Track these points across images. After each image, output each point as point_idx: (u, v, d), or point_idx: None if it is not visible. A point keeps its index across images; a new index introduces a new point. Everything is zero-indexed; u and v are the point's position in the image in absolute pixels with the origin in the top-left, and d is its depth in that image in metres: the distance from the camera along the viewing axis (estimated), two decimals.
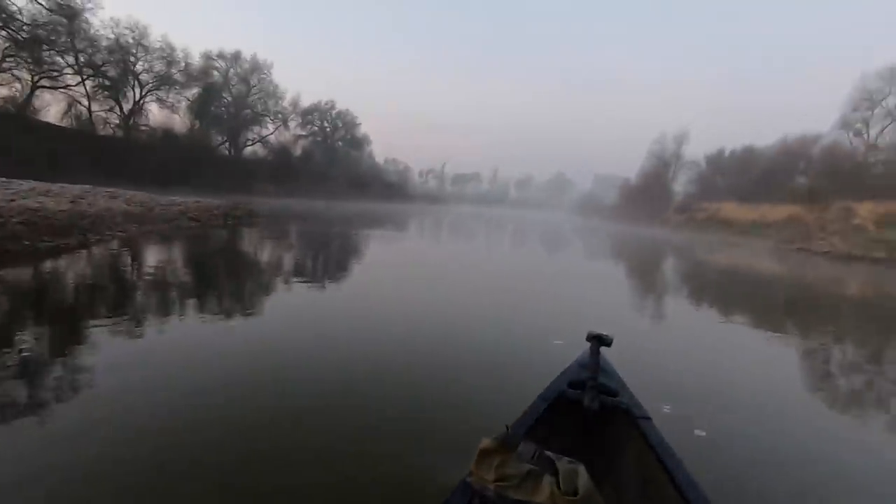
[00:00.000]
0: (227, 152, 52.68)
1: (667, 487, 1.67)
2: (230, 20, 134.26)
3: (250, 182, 44.00)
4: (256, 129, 55.99)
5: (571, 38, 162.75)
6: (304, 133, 65.95)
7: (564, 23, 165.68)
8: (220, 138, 51.39)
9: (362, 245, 14.11)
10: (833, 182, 34.44)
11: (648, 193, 57.86)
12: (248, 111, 55.07)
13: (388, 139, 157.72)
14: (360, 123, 70.58)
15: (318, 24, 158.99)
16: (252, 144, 56.31)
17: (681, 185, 58.94)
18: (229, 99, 53.14)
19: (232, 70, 54.00)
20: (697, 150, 57.93)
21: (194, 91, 46.72)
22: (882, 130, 40.01)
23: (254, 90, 54.95)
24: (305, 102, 63.53)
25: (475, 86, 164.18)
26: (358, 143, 71.51)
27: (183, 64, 44.41)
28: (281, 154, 55.97)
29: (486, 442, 1.46)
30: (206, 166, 38.68)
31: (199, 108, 45.69)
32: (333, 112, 68.62)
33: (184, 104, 45.33)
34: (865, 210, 23.75)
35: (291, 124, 60.51)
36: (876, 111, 40.01)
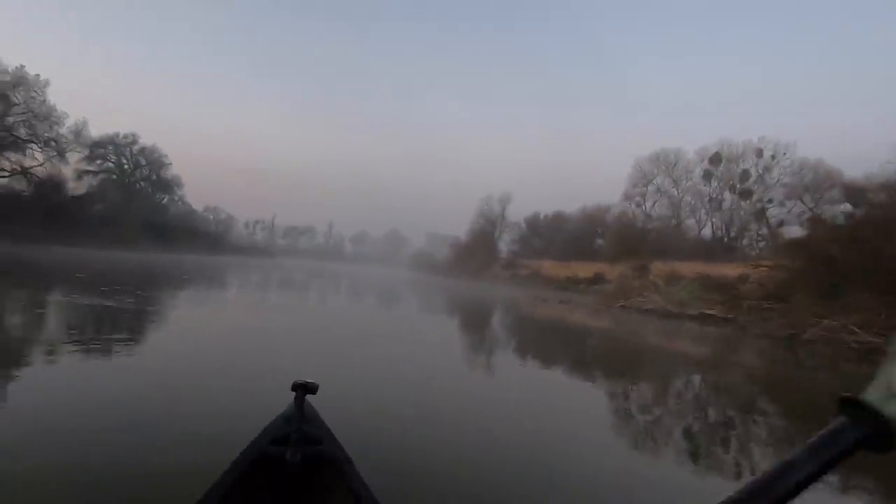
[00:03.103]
0: None
1: None
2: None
3: None
4: (15, 157, 43.96)
5: (404, 98, 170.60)
6: (91, 169, 54.53)
7: (398, 79, 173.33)
8: None
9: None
10: (624, 245, 40.50)
11: (477, 250, 61.15)
12: (6, 134, 43.15)
13: (210, 187, 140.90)
14: (169, 163, 60.96)
15: (134, 54, 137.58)
16: (8, 176, 43.82)
17: (505, 243, 63.78)
18: None
19: None
20: (522, 208, 63.32)
21: None
22: (654, 203, 49.32)
23: (15, 109, 43.43)
24: (101, 133, 53.14)
25: (310, 138, 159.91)
26: (166, 185, 61.38)
27: None
28: (47, 189, 44.54)
29: None
30: None
31: None
32: (135, 147, 58.40)
33: None
34: (655, 269, 27.39)
35: (74, 157, 49.29)
36: (649, 188, 49.05)
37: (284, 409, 2.31)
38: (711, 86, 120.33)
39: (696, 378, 9.00)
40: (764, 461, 4.40)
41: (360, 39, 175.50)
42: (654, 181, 48.84)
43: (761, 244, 42.59)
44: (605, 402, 6.44)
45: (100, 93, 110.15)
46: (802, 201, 35.53)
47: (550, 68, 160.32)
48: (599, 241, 52.44)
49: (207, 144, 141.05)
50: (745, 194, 43.09)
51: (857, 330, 11.47)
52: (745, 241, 44.23)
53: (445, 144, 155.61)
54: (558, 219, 57.59)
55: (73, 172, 50.41)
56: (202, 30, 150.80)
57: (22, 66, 43.76)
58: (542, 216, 60.24)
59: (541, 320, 17.33)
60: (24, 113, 44.14)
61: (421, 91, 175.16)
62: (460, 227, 70.77)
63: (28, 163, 44.61)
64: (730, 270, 23.45)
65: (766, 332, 13.69)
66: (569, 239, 52.13)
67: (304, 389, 2.22)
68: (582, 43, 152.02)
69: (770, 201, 42.08)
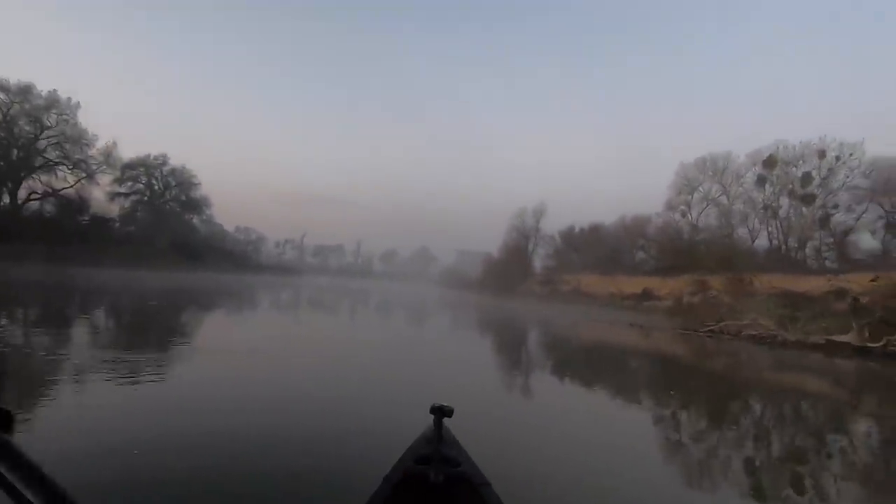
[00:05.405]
0: None
1: None
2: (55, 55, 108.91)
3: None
4: (46, 178, 44.23)
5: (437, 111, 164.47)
6: (123, 191, 54.77)
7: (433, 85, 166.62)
8: None
9: None
10: (670, 257, 37.25)
11: (510, 266, 58.26)
12: (37, 156, 43.58)
13: (243, 209, 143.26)
14: (198, 183, 60.73)
15: (165, 73, 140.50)
16: (39, 199, 44.06)
17: (539, 257, 60.61)
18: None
19: (18, 106, 42.86)
20: (556, 221, 60.01)
21: None
22: (701, 212, 45.61)
23: (47, 132, 43.83)
24: (130, 154, 53.39)
25: (341, 157, 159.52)
26: (195, 205, 61.13)
27: None
28: (70, 211, 44.36)
29: None
30: None
31: None
32: (165, 168, 58.51)
33: None
34: (715, 282, 24.12)
35: (105, 178, 49.54)
36: (695, 195, 45.46)
37: (424, 431, 2.44)
38: (765, 82, 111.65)
39: None
40: None
41: (387, 49, 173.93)
42: (701, 188, 45.33)
43: (827, 254, 38.53)
44: None
45: (133, 115, 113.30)
46: (881, 205, 31.53)
47: (590, 67, 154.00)
48: (641, 254, 49.03)
49: (241, 168, 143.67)
50: (807, 200, 39.01)
51: None
52: (807, 252, 40.06)
53: (476, 156, 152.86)
54: (595, 231, 54.30)
55: (104, 194, 50.72)
56: (227, 52, 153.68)
57: (55, 90, 44.32)
58: (577, 229, 57.05)
59: (633, 351, 14.33)
60: (55, 136, 44.53)
61: (450, 100, 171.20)
62: (491, 243, 68.11)
63: (58, 185, 44.90)
64: (812, 284, 20.05)
65: None
66: (607, 252, 48.83)
67: (440, 412, 2.26)
68: (624, 37, 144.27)
69: (835, 207, 37.97)
